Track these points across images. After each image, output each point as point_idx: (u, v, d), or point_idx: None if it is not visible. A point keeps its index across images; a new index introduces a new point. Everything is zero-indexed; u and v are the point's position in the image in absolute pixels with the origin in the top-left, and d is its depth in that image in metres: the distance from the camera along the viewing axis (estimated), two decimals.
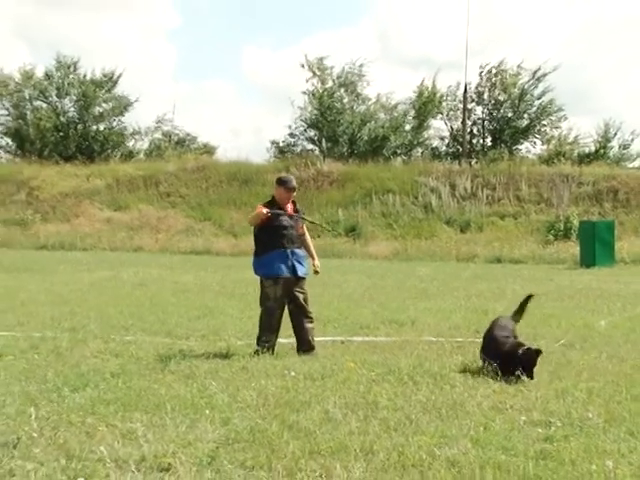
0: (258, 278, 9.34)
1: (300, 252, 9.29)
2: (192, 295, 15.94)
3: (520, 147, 50.69)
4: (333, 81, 50.31)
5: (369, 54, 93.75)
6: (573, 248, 30.02)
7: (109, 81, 52.95)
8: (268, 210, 8.98)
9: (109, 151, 52.16)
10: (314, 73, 50.22)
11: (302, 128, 50.95)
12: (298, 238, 9.29)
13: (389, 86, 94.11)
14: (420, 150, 51.55)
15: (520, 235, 34.14)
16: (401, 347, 9.60)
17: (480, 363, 8.33)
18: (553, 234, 33.47)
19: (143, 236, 36.03)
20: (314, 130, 50.21)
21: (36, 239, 35.27)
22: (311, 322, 9.27)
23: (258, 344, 9.10)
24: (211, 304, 14.36)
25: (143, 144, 55.75)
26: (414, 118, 50.56)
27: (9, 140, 53.08)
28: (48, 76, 52.18)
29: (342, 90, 50.28)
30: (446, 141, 52.09)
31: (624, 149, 51.69)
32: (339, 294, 16.26)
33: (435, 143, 52.33)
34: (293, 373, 7.82)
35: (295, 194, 9.40)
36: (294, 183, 9.35)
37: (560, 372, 8.11)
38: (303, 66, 50.18)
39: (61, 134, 51.33)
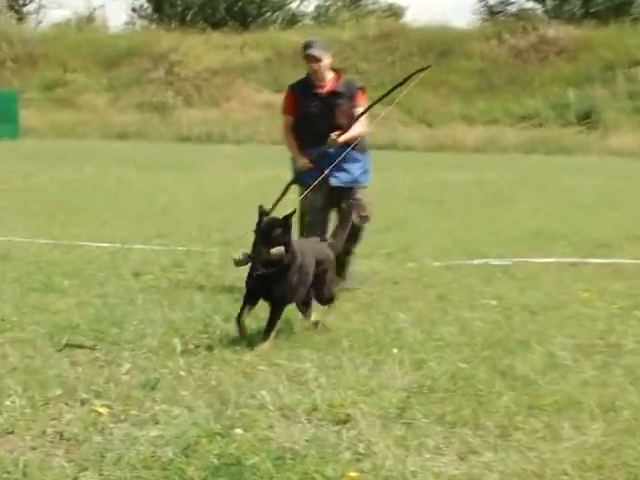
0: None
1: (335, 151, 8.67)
2: (375, 202, 16.01)
3: None
4: None
5: None
6: None
7: None
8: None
9: (267, 15, 52.39)
10: None
11: None
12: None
13: None
14: None
15: None
16: None
17: None
18: None
19: None
20: None
21: (178, 128, 35.86)
22: None
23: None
24: (399, 214, 14.42)
25: (309, 5, 55.91)
26: None
27: (144, 1, 54.04)
28: None
29: None
30: None
31: None
32: (570, 201, 16.00)
33: None
34: (506, 304, 7.79)
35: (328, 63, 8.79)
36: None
37: None
38: None
39: None
